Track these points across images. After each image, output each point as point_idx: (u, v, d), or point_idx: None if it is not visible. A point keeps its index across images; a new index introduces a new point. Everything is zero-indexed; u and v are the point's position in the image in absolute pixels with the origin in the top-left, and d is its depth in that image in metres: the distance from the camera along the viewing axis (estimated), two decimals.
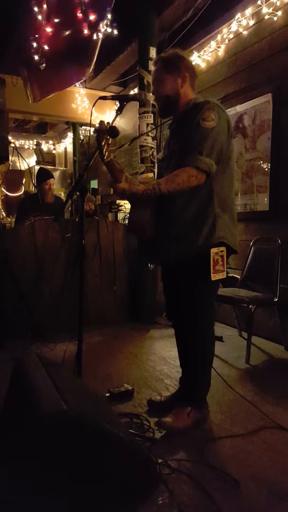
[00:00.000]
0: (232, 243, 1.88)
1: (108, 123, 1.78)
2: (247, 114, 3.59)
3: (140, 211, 1.90)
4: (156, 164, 3.97)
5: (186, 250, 1.83)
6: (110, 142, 1.77)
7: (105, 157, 1.76)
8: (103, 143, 1.75)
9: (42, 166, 7.10)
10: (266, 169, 3.40)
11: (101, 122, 1.76)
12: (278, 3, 3.21)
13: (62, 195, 7.25)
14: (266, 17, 3.33)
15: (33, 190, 6.63)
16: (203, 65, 4.16)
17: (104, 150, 1.75)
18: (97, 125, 1.76)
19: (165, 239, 1.88)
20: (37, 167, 8.28)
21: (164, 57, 1.95)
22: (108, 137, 1.76)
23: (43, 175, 4.32)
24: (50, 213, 3.77)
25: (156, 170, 3.97)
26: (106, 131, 1.75)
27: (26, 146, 9.33)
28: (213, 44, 3.97)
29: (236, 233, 1.94)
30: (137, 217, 1.93)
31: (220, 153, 1.79)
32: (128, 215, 1.97)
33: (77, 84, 5.47)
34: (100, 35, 3.89)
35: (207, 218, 1.81)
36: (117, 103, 1.97)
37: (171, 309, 2.13)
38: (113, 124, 1.76)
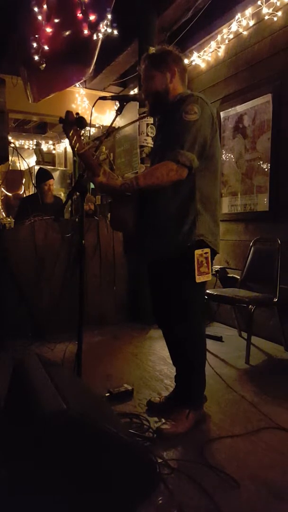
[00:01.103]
0: (212, 243, 1.86)
1: (77, 114, 1.73)
2: (247, 114, 3.59)
3: (122, 207, 1.88)
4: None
5: (167, 245, 1.82)
6: (80, 133, 1.73)
7: (76, 149, 1.71)
8: (70, 134, 1.71)
9: (41, 166, 7.09)
10: (266, 170, 3.40)
11: (68, 113, 1.72)
12: (278, 4, 3.21)
13: (62, 195, 7.25)
14: (266, 17, 3.33)
15: (32, 190, 6.64)
16: (203, 65, 4.15)
17: (74, 141, 1.71)
18: (64, 116, 1.73)
19: (148, 234, 1.88)
20: (37, 167, 8.28)
21: (151, 54, 1.93)
22: (77, 128, 1.73)
23: (43, 176, 4.33)
24: (50, 213, 3.78)
25: None
26: (74, 122, 1.72)
27: (26, 146, 9.32)
28: (213, 44, 3.96)
29: (218, 233, 1.92)
30: (119, 213, 1.90)
31: (203, 148, 1.76)
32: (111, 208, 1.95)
33: (77, 85, 5.47)
34: (100, 35, 3.88)
35: (188, 214, 1.79)
36: (117, 103, 1.97)
37: (158, 311, 2.10)
38: (81, 115, 1.72)
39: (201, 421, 1.97)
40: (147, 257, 2.06)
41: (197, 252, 1.79)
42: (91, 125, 6.39)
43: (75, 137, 1.72)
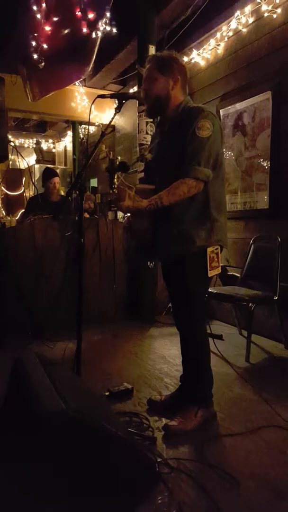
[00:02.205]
0: (225, 243, 1.98)
1: (116, 158, 1.87)
2: (247, 112, 3.58)
3: (140, 219, 1.98)
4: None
5: (185, 249, 1.88)
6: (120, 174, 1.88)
7: (115, 189, 1.85)
8: (115, 180, 1.85)
9: (48, 166, 7.11)
10: (266, 167, 3.39)
11: (112, 161, 1.84)
12: (277, 1, 3.19)
13: (62, 193, 7.26)
14: (266, 14, 3.31)
15: (32, 189, 6.64)
16: (202, 63, 4.14)
17: (115, 184, 1.85)
18: (108, 164, 1.86)
19: (165, 241, 1.94)
20: (36, 166, 8.29)
21: (158, 57, 1.94)
22: (120, 172, 1.86)
23: (48, 174, 4.36)
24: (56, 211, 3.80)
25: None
26: (117, 168, 1.85)
27: (25, 145, 9.32)
28: (212, 42, 3.95)
29: (226, 230, 2.02)
30: (138, 226, 2.00)
31: (215, 161, 1.85)
32: (128, 222, 2.06)
33: (76, 83, 5.46)
34: (99, 34, 3.88)
35: (204, 222, 1.87)
36: (116, 101, 1.96)
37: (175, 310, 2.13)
38: (123, 160, 1.87)
39: (210, 419, 1.95)
40: (163, 262, 2.12)
41: (209, 249, 1.87)
42: (90, 124, 6.39)
43: (115, 180, 1.86)
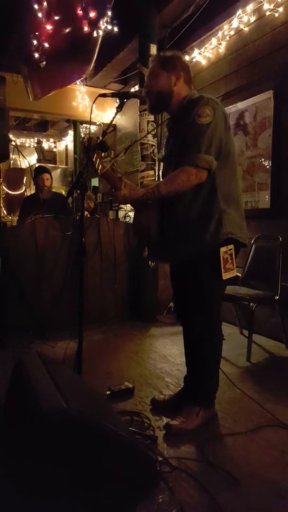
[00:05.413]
0: (241, 237, 1.87)
1: (98, 137, 1.80)
2: (248, 111, 3.58)
3: (143, 214, 1.91)
4: (157, 163, 3.97)
5: (194, 248, 1.82)
6: (102, 155, 1.80)
7: (99, 170, 1.79)
8: (94, 159, 1.78)
9: (39, 164, 7.09)
10: (267, 167, 3.39)
11: (90, 139, 1.79)
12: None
13: (63, 193, 7.26)
14: (267, 13, 3.31)
15: (33, 189, 6.64)
16: (203, 62, 4.14)
17: (97, 164, 1.78)
18: (86, 141, 1.82)
19: (173, 239, 1.88)
20: (37, 165, 8.27)
21: (161, 55, 1.95)
22: (99, 151, 1.79)
23: (36, 171, 4.31)
24: (48, 209, 3.75)
25: (156, 168, 3.97)
26: (96, 146, 1.79)
27: (27, 144, 9.33)
28: (214, 41, 3.94)
29: (244, 226, 1.93)
30: (141, 221, 1.94)
31: (219, 148, 1.77)
32: (132, 217, 2.00)
33: (77, 82, 5.46)
34: (100, 33, 3.87)
35: (212, 215, 1.79)
36: (117, 100, 1.96)
37: (180, 309, 2.11)
38: (103, 139, 1.80)
39: (212, 419, 1.96)
40: (172, 261, 2.07)
41: (222, 249, 1.79)
42: (91, 123, 6.39)
43: (98, 160, 1.79)
